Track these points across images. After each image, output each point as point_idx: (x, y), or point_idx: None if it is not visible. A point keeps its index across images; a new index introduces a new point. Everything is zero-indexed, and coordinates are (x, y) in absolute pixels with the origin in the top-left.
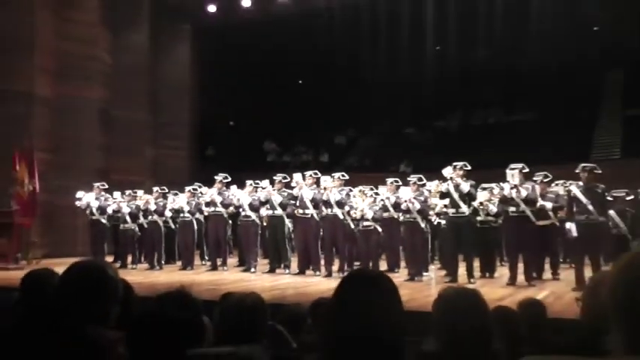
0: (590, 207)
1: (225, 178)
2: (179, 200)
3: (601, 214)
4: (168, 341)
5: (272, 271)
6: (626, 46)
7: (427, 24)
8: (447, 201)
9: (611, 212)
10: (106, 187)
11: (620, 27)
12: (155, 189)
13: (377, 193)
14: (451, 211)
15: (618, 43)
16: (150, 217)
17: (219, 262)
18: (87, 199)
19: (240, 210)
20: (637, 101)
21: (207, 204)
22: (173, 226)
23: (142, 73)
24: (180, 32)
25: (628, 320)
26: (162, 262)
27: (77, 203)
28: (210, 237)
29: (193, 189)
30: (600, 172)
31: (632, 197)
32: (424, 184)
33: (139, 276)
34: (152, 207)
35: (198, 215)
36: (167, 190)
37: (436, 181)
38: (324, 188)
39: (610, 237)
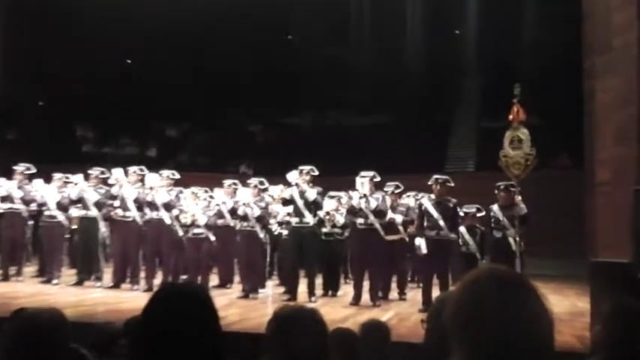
0: (441, 222)
1: (28, 169)
2: None
3: (452, 230)
4: None
5: (80, 283)
6: (486, 54)
7: (280, 11)
8: (290, 209)
9: (462, 229)
10: None
11: (483, 32)
12: None
13: (212, 197)
14: (294, 220)
15: (478, 49)
16: None
17: (12, 270)
18: None
19: (44, 208)
20: (493, 112)
21: (3, 199)
22: None
23: None
24: None
25: (467, 340)
26: None
27: None
28: (3, 239)
29: None
30: (453, 185)
31: (482, 214)
32: (266, 189)
33: None
34: None
35: None
36: None
37: (280, 186)
38: (150, 188)
39: (459, 255)
